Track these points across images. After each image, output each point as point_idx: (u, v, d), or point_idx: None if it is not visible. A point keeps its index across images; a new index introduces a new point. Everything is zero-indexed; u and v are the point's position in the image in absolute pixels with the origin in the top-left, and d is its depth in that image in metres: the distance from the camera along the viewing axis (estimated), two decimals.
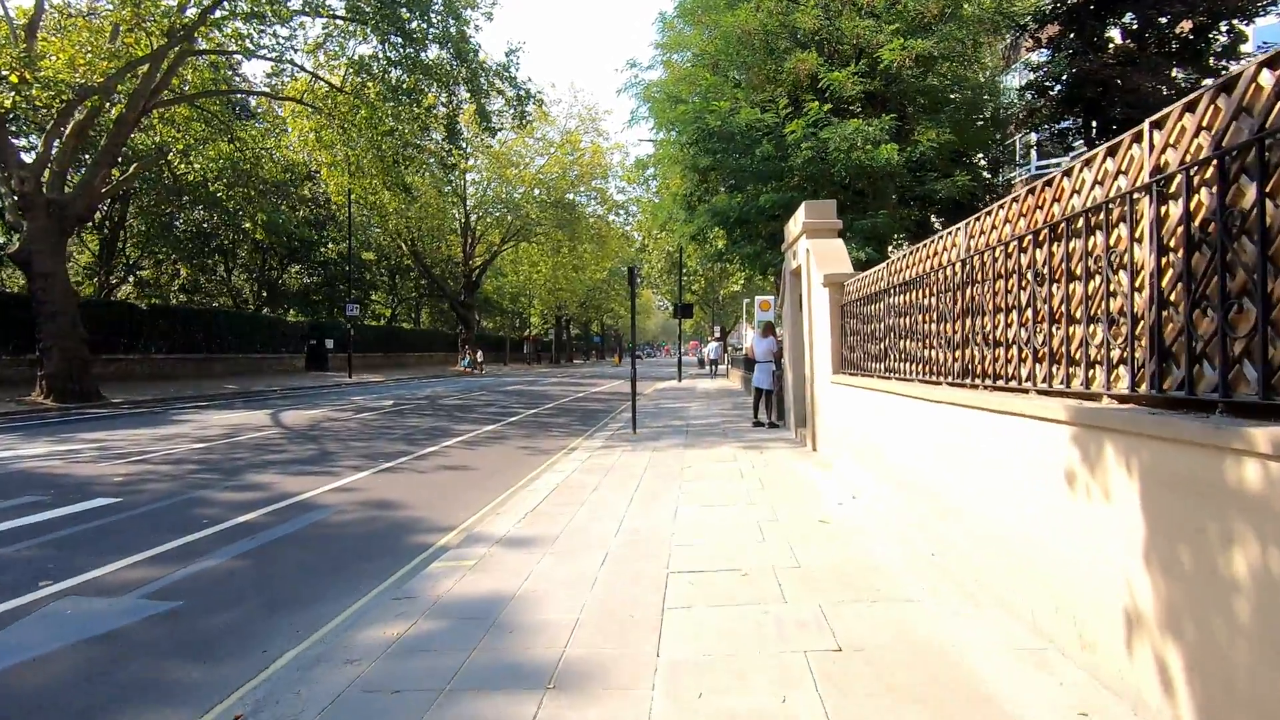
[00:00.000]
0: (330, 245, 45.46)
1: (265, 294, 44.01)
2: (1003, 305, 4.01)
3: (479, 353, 46.02)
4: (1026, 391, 3.75)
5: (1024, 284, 3.78)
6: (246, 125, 24.58)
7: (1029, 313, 3.72)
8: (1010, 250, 3.91)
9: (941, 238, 5.05)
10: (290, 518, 6.72)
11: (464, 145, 23.31)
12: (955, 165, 15.89)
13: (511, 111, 23.03)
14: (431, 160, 23.53)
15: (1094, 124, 17.26)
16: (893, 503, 5.91)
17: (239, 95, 23.80)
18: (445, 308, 59.96)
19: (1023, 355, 3.82)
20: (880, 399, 6.35)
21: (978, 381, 4.36)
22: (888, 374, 6.37)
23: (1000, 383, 4.07)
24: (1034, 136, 23.17)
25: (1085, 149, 21.79)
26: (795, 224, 10.09)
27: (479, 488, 8.20)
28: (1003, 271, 4.00)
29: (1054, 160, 23.75)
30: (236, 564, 5.39)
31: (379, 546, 5.88)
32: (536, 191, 47.75)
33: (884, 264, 6.63)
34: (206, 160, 23.92)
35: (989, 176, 20.17)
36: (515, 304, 68.42)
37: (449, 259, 52.23)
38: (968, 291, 4.50)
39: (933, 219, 17.44)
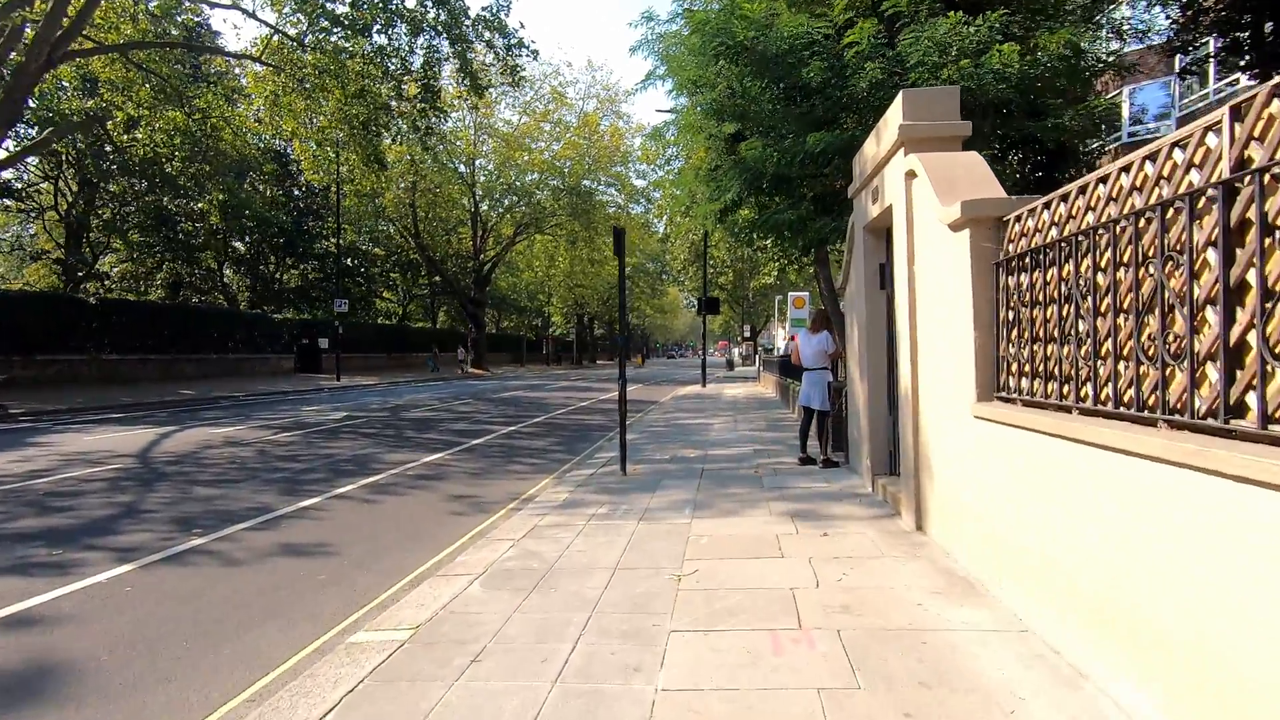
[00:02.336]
0: (331, 239, 42.16)
1: (258, 290, 40.83)
2: None
3: (460, 350, 42.14)
4: None
5: None
6: (201, 90, 21.10)
7: None
8: None
9: None
10: None
11: (443, 110, 19.54)
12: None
13: (500, 65, 19.24)
14: (410, 130, 19.77)
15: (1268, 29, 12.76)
16: None
17: (180, 50, 20.30)
18: (460, 305, 56.57)
19: None
20: (1138, 473, 2.38)
21: None
22: (1151, 417, 2.38)
23: None
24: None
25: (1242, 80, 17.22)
26: (881, 137, 6.05)
27: (279, 620, 4.30)
28: None
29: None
30: None
31: None
32: (552, 180, 43.99)
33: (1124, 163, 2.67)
34: (157, 131, 20.52)
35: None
36: (533, 301, 64.83)
37: (458, 253, 48.74)
38: None
39: (1029, 171, 13.24)
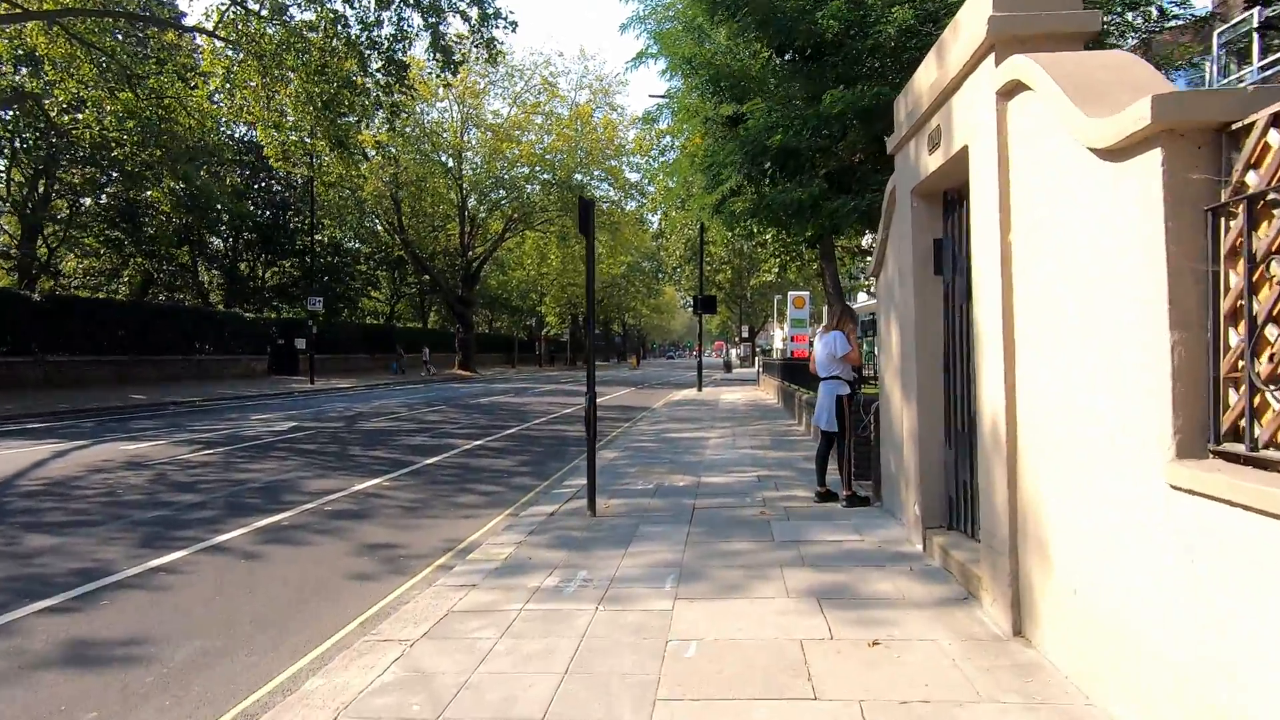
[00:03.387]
0: (318, 235, 40.24)
1: (234, 288, 38.88)
2: None
3: (425, 350, 39.79)
4: None
5: None
6: (151, 68, 19.20)
7: None
8: None
9: None
10: None
11: (411, 87, 17.68)
12: None
13: (475, 38, 17.39)
14: (374, 107, 17.90)
15: None
16: None
17: (125, 22, 18.41)
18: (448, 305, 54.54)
19: None
20: None
21: None
22: None
23: None
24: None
25: None
26: (947, 52, 4.21)
27: None
28: None
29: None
30: None
31: None
32: (543, 174, 42.10)
33: None
34: (107, 115, 18.63)
35: None
36: (526, 301, 62.87)
37: (446, 250, 46.83)
38: None
39: None
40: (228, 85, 18.45)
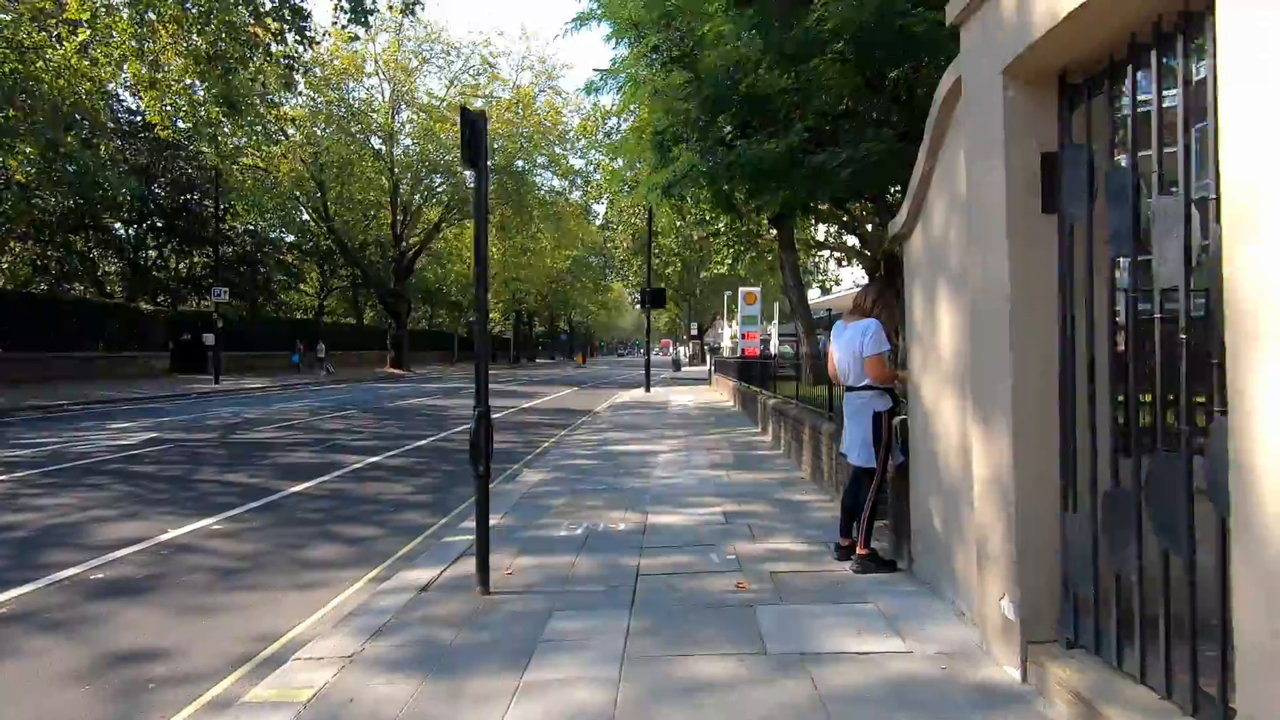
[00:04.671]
0: (230, 221, 36.78)
1: (137, 280, 35.20)
2: None
3: (320, 346, 36.52)
4: None
5: None
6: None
7: None
8: None
9: None
10: None
11: (312, 39, 15.11)
12: None
13: None
14: (265, 58, 15.24)
15: None
16: None
17: None
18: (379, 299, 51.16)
19: None
20: None
21: None
22: None
23: None
24: None
25: None
26: None
27: None
28: None
29: None
30: None
31: None
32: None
33: None
34: None
35: None
36: (466, 296, 59.77)
37: (378, 240, 43.71)
38: None
39: None
40: (98, 38, 15.60)
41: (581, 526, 5.80)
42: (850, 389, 4.63)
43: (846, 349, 4.57)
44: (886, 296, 4.67)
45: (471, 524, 5.87)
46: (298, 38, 14.81)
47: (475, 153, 4.16)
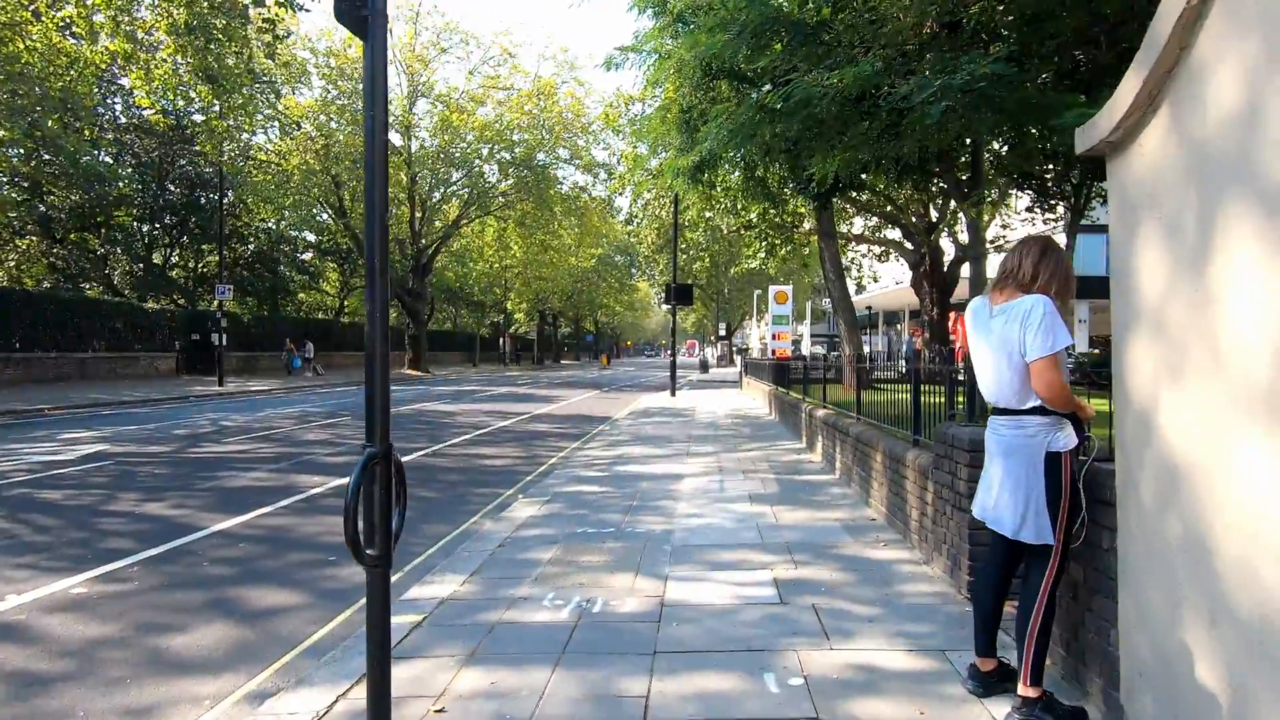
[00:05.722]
0: (246, 218, 35.68)
1: (149, 279, 34.20)
2: None
3: (308, 345, 34.59)
4: None
5: None
6: None
7: None
8: None
9: None
10: None
11: (296, 4, 13.51)
12: None
13: None
14: (243, 27, 13.71)
15: None
16: None
17: None
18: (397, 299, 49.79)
19: None
20: None
21: None
22: None
23: None
24: None
25: None
26: None
27: None
28: None
29: None
30: None
31: None
32: (501, 153, 37.92)
33: None
34: None
35: None
36: (488, 295, 58.32)
37: (396, 237, 42.37)
38: None
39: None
40: (79, 12, 14.25)
41: (570, 603, 3.99)
42: (1001, 412, 2.76)
43: (1000, 348, 2.70)
44: (1058, 256, 2.78)
45: (428, 590, 4.13)
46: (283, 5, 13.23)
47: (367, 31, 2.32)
